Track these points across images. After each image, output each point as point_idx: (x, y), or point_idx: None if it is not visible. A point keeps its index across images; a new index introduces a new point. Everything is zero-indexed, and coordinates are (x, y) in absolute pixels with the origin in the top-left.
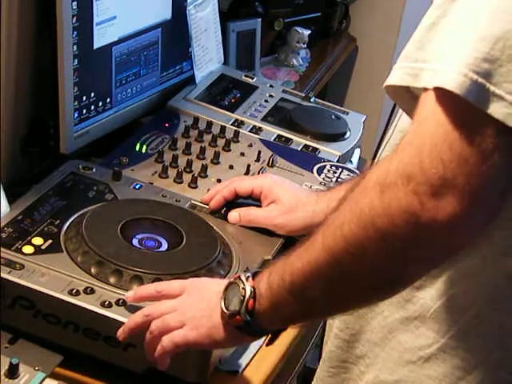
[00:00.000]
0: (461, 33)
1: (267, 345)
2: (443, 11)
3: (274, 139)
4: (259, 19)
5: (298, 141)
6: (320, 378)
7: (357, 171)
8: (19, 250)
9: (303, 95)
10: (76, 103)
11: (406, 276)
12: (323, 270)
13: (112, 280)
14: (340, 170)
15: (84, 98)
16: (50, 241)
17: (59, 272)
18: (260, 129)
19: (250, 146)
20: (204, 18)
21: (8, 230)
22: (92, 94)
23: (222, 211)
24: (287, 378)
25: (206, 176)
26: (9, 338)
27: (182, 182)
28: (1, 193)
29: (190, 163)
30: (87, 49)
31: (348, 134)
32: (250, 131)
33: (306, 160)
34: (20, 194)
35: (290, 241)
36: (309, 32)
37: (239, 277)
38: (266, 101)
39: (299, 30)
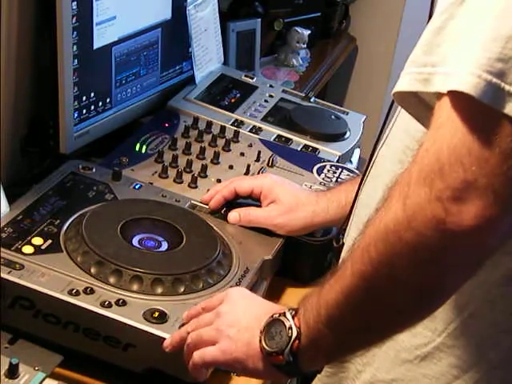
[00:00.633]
0: (470, 35)
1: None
2: (450, 14)
3: (274, 139)
4: (259, 19)
5: (298, 141)
6: (318, 377)
7: (357, 171)
8: (19, 250)
9: (303, 95)
10: (76, 103)
11: (442, 288)
12: (356, 296)
13: (112, 280)
14: (340, 170)
15: (84, 98)
16: (49, 241)
17: (59, 272)
18: (260, 129)
19: (250, 146)
20: (204, 17)
21: (8, 230)
22: (92, 94)
23: (222, 211)
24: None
25: (206, 176)
26: (9, 338)
27: (181, 182)
28: (1, 193)
29: (189, 163)
30: (87, 49)
31: (348, 133)
32: (249, 131)
33: (306, 160)
34: (20, 194)
35: (290, 241)
36: (309, 32)
37: (284, 314)
38: (265, 101)
39: (299, 30)
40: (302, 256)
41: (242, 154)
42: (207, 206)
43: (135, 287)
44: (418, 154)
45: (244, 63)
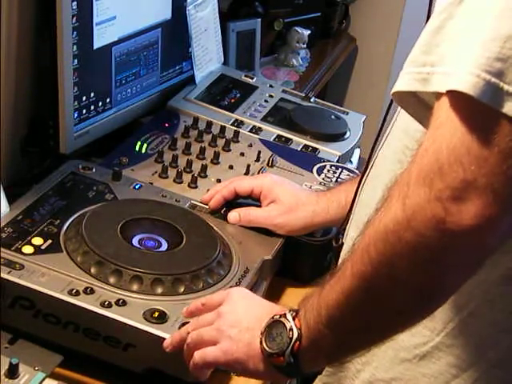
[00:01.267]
0: (469, 34)
1: None
2: (449, 14)
3: (274, 139)
4: (259, 19)
5: (298, 141)
6: (318, 377)
7: (357, 171)
8: (19, 250)
9: (303, 95)
10: (76, 103)
11: (442, 288)
12: (356, 297)
13: (112, 280)
14: (340, 170)
15: (84, 98)
16: (49, 241)
17: (59, 272)
18: (260, 129)
19: (250, 146)
20: (204, 17)
21: (8, 230)
22: (92, 94)
23: (222, 211)
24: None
25: (206, 176)
26: (9, 338)
27: (181, 182)
28: (1, 193)
29: (189, 163)
30: (87, 49)
31: (348, 133)
32: (249, 131)
33: (306, 160)
34: (20, 194)
35: (290, 241)
36: (309, 32)
37: (285, 315)
38: (265, 101)
39: (299, 30)
40: (301, 256)
41: (242, 154)
42: (207, 206)
43: (135, 287)
44: (417, 154)
45: (244, 63)
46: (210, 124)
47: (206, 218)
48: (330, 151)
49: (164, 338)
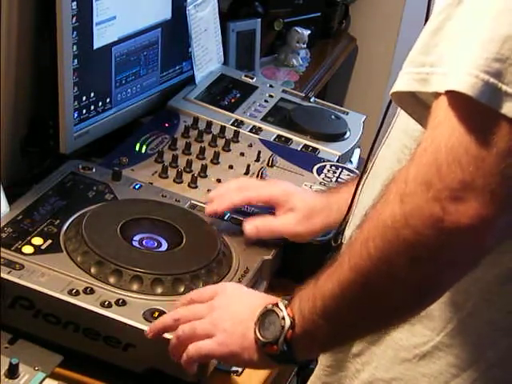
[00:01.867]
0: (468, 35)
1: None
2: (447, 15)
3: (274, 139)
4: (259, 19)
5: (298, 141)
6: (317, 376)
7: (357, 171)
8: (19, 250)
9: (303, 95)
10: (76, 103)
11: (438, 285)
12: (353, 290)
13: (112, 280)
14: (340, 169)
15: (84, 98)
16: (49, 241)
17: (59, 272)
18: (260, 129)
19: (250, 146)
20: (204, 17)
21: (8, 230)
22: (92, 94)
23: (226, 217)
24: (287, 378)
25: (206, 176)
26: (9, 338)
27: (181, 182)
28: (1, 193)
29: (189, 163)
30: (87, 49)
31: (348, 133)
32: (249, 131)
33: (306, 160)
34: (20, 194)
35: (290, 241)
36: (309, 32)
37: (277, 304)
38: (265, 101)
39: (299, 30)
40: (301, 256)
41: (242, 154)
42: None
43: (135, 287)
44: (415, 153)
45: (244, 63)
46: (209, 124)
47: (206, 218)
48: (329, 151)
49: (164, 338)
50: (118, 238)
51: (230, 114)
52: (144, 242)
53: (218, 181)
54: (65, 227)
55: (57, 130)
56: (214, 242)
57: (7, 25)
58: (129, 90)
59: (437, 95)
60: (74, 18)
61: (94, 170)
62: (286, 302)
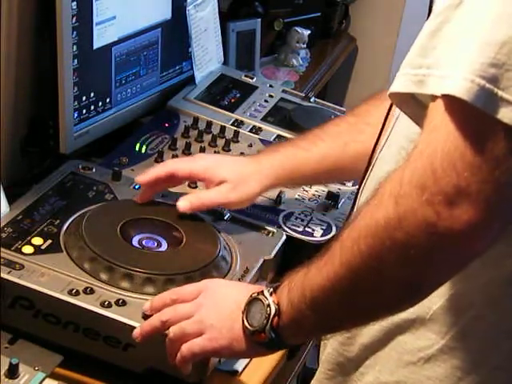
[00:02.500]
0: (465, 39)
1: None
2: (446, 17)
3: (274, 139)
4: (259, 19)
5: None
6: (318, 379)
7: None
8: (19, 250)
9: (303, 95)
10: (76, 103)
11: (426, 285)
12: (343, 285)
13: (111, 280)
14: None
15: (84, 98)
16: (49, 241)
17: (59, 272)
18: (260, 129)
19: (250, 146)
20: (204, 17)
21: (8, 230)
22: (92, 94)
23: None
24: (287, 378)
25: None
26: (9, 338)
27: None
28: (1, 193)
29: None
30: (87, 49)
31: None
32: (249, 131)
33: None
34: (20, 194)
35: (290, 241)
36: (309, 32)
37: (262, 292)
38: (265, 101)
39: (299, 30)
40: (301, 256)
41: (242, 154)
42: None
43: (134, 287)
44: (411, 156)
45: (244, 63)
46: (209, 124)
47: (206, 218)
48: None
49: (164, 338)
50: (117, 238)
51: (230, 114)
52: (144, 242)
53: None
54: (65, 227)
55: (57, 130)
56: (214, 241)
57: (7, 25)
58: (129, 90)
59: (433, 98)
60: (74, 18)
61: (94, 170)
62: (272, 289)
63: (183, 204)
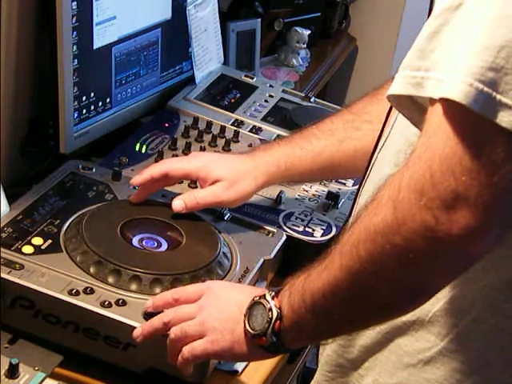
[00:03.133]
0: (464, 42)
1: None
2: (444, 20)
3: (274, 139)
4: (259, 19)
5: None
6: (318, 381)
7: None
8: (19, 250)
9: (303, 95)
10: (76, 103)
11: (426, 289)
12: (343, 289)
13: (111, 280)
14: None
15: (84, 98)
16: (49, 241)
17: (59, 272)
18: (260, 129)
19: (250, 146)
20: (204, 17)
21: (8, 230)
22: (92, 94)
23: (226, 217)
24: (287, 378)
25: None
26: (9, 338)
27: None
28: (1, 193)
29: None
30: (87, 49)
31: None
32: (249, 131)
33: None
34: (20, 194)
35: (290, 241)
36: (309, 32)
37: (264, 296)
38: (265, 101)
39: (299, 30)
40: (302, 256)
41: None
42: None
43: (135, 287)
44: (410, 160)
45: (244, 63)
46: (209, 124)
47: (206, 218)
48: None
49: (164, 338)
50: (117, 238)
51: (230, 113)
52: (144, 242)
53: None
54: (65, 227)
55: (57, 130)
56: (214, 241)
57: (7, 25)
58: (129, 90)
59: (432, 101)
60: (74, 18)
61: (93, 170)
62: (274, 293)
63: (178, 204)
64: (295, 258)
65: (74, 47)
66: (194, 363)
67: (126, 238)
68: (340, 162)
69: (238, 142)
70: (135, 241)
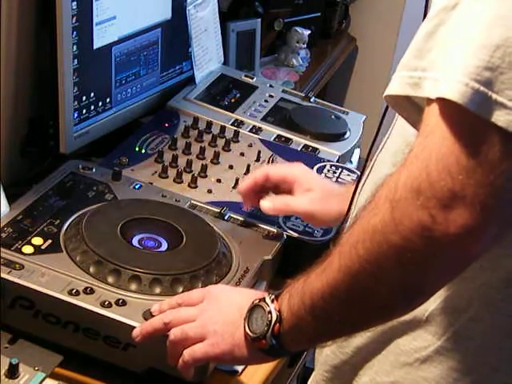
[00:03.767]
0: (460, 41)
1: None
2: (441, 19)
3: (274, 139)
4: (259, 19)
5: (298, 141)
6: (316, 381)
7: (357, 171)
8: (19, 250)
9: (303, 95)
10: (76, 103)
11: (424, 289)
12: (342, 290)
13: (111, 280)
14: (340, 169)
15: (84, 98)
16: (49, 241)
17: (59, 272)
18: (260, 129)
19: (250, 145)
20: (204, 17)
21: (8, 230)
22: (92, 94)
23: (223, 210)
24: (287, 379)
25: (206, 176)
26: (9, 338)
27: (181, 182)
28: (1, 193)
29: (189, 163)
30: (87, 49)
31: (348, 134)
32: (249, 131)
33: (306, 160)
34: (20, 194)
35: (290, 241)
36: (309, 32)
37: (264, 299)
38: (265, 101)
39: (299, 30)
40: (302, 256)
41: (242, 154)
42: (207, 207)
43: (134, 287)
44: (407, 159)
45: (244, 63)
46: (209, 124)
47: (206, 217)
48: (329, 151)
49: (165, 338)
50: (117, 238)
51: (230, 113)
52: (144, 242)
53: (218, 181)
54: (65, 227)
55: (57, 130)
56: (214, 241)
57: (7, 25)
58: (129, 90)
59: (428, 101)
60: (74, 18)
61: (93, 170)
62: (273, 296)
63: (267, 205)
64: (295, 258)
65: (74, 47)
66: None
67: (126, 237)
68: None
69: (238, 141)
70: (135, 241)
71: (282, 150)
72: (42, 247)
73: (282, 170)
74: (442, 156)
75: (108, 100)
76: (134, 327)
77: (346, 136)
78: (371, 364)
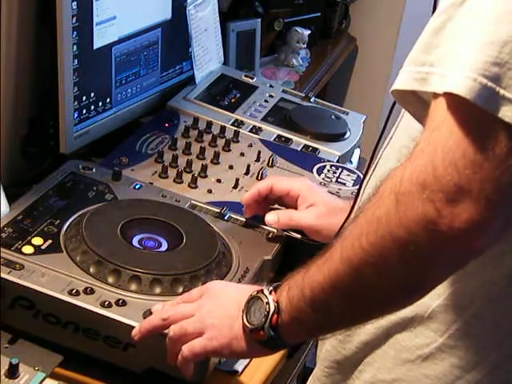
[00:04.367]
0: (468, 37)
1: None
2: (449, 16)
3: (274, 139)
4: (259, 19)
5: (298, 141)
6: (316, 376)
7: (357, 171)
8: (19, 250)
9: (303, 95)
10: (76, 103)
11: (426, 283)
12: (343, 283)
13: (111, 280)
14: (340, 170)
15: (84, 98)
16: (49, 241)
17: (59, 272)
18: (260, 129)
19: (250, 146)
20: (204, 17)
21: (8, 230)
22: (92, 94)
23: (222, 210)
24: (287, 379)
25: (206, 176)
26: (9, 338)
27: (181, 182)
28: (1, 193)
29: (189, 163)
30: (87, 49)
31: (348, 134)
32: (249, 131)
33: (306, 160)
34: (20, 194)
35: (290, 241)
36: (309, 32)
37: (262, 291)
38: (265, 101)
39: (299, 30)
40: (301, 256)
41: (242, 154)
42: (207, 207)
43: (134, 287)
44: (413, 154)
45: (244, 63)
46: (209, 124)
47: (206, 218)
48: (329, 151)
49: (164, 338)
50: (117, 238)
51: (230, 113)
52: (144, 242)
53: (218, 181)
54: (65, 227)
55: (57, 130)
56: (214, 242)
57: (7, 25)
58: (129, 90)
59: (435, 95)
60: (74, 18)
61: (94, 170)
62: (272, 288)
63: (271, 218)
64: (295, 258)
65: (74, 47)
66: (194, 363)
67: (126, 238)
68: None
69: (238, 142)
70: (135, 241)
71: (282, 150)
72: (42, 247)
73: (286, 183)
74: (448, 150)
75: (108, 100)
76: (134, 327)
77: (346, 136)
78: (373, 360)
